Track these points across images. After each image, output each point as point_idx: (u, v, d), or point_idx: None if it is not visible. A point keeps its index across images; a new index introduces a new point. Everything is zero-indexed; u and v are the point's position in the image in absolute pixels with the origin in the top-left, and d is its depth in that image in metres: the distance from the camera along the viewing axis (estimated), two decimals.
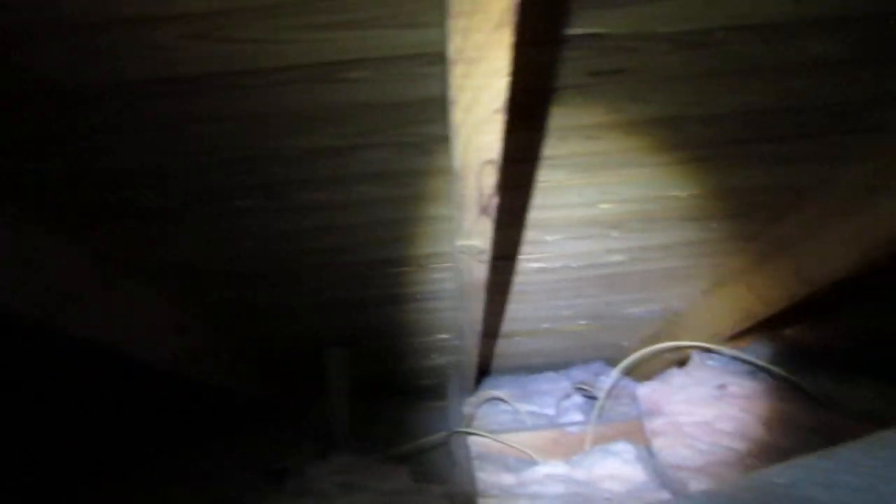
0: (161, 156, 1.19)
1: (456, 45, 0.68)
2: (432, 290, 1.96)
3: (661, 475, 1.93)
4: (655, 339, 2.43)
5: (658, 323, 2.40)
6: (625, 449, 1.98)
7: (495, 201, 1.02)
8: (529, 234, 1.70)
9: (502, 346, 2.53)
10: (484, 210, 1.03)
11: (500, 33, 0.66)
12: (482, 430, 2.18)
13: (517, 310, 2.22)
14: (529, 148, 1.32)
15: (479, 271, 1.31)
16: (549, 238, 1.73)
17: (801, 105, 1.22)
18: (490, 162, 0.90)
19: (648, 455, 2.01)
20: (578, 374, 2.64)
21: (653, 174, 1.46)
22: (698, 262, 1.94)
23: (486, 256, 1.24)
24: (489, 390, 2.46)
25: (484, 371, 2.71)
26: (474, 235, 1.14)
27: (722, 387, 2.04)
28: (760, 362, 2.04)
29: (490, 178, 0.94)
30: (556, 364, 2.73)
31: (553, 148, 1.32)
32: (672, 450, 1.93)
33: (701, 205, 1.58)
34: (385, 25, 0.94)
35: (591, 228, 1.69)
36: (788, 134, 1.31)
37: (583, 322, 2.43)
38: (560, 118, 1.24)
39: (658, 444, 1.97)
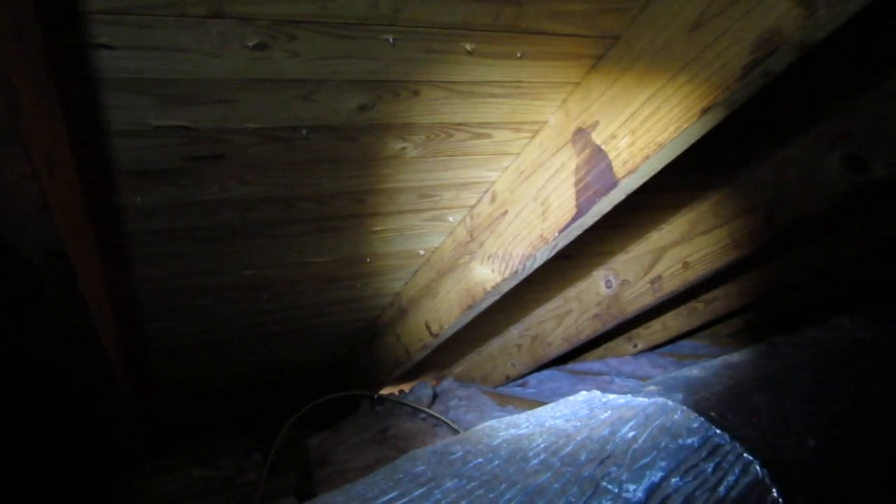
0: None
1: None
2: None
3: None
4: (332, 389, 2.55)
5: (333, 373, 2.53)
6: None
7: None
8: (176, 300, 1.68)
9: (175, 410, 2.44)
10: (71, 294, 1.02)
11: None
12: None
13: (184, 371, 2.17)
14: (150, 219, 1.32)
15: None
16: (200, 303, 1.74)
17: (393, 187, 1.41)
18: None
19: None
20: (262, 430, 2.64)
21: (286, 243, 1.55)
22: (355, 316, 2.10)
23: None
24: (163, 459, 2.33)
25: (162, 437, 2.57)
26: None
27: (383, 430, 2.21)
28: (416, 405, 2.26)
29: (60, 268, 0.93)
30: (242, 422, 2.70)
31: (174, 221, 1.34)
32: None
33: (338, 268, 1.72)
34: None
35: (239, 292, 1.73)
36: (391, 211, 1.51)
37: (262, 378, 2.46)
38: (174, 195, 1.26)
39: (323, 494, 2.05)
